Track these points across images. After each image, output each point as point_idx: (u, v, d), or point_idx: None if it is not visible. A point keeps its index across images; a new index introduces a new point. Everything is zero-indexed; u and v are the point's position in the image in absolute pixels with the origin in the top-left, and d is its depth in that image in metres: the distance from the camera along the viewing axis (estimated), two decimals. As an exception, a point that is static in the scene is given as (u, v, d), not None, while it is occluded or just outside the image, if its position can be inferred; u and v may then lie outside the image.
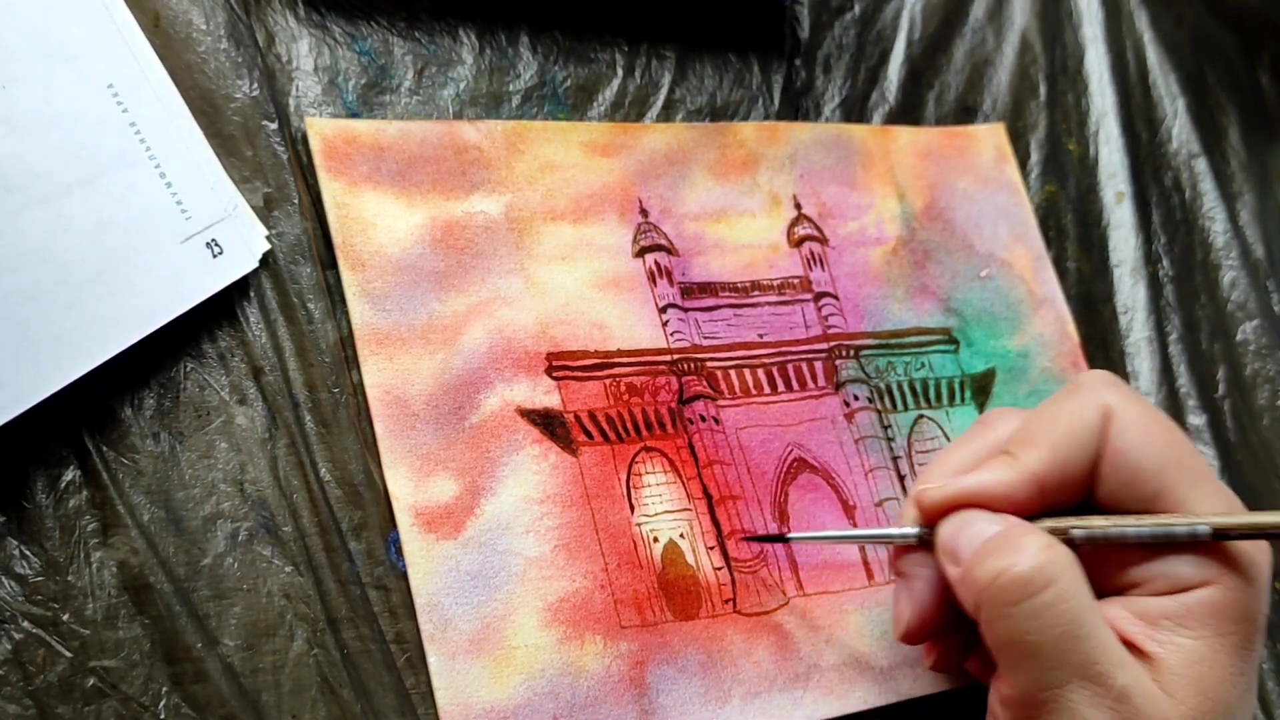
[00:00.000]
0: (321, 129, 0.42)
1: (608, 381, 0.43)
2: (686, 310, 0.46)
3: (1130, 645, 0.36)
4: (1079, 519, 0.38)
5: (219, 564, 0.37)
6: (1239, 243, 0.59)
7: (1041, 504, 0.38)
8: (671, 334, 0.45)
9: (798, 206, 0.50)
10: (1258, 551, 0.37)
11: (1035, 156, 0.57)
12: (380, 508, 0.39)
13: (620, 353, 0.44)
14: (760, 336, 0.47)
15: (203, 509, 0.37)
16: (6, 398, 0.34)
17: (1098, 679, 0.34)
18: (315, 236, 0.41)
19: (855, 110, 0.53)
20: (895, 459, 0.47)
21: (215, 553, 0.37)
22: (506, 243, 0.44)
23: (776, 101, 0.52)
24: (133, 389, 0.37)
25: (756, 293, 0.47)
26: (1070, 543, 0.37)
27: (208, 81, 0.41)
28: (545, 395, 0.42)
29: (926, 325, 0.50)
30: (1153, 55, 0.61)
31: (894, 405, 0.48)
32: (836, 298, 0.49)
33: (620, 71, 0.49)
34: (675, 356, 0.45)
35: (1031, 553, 0.35)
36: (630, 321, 0.45)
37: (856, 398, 0.47)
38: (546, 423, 0.42)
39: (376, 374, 0.40)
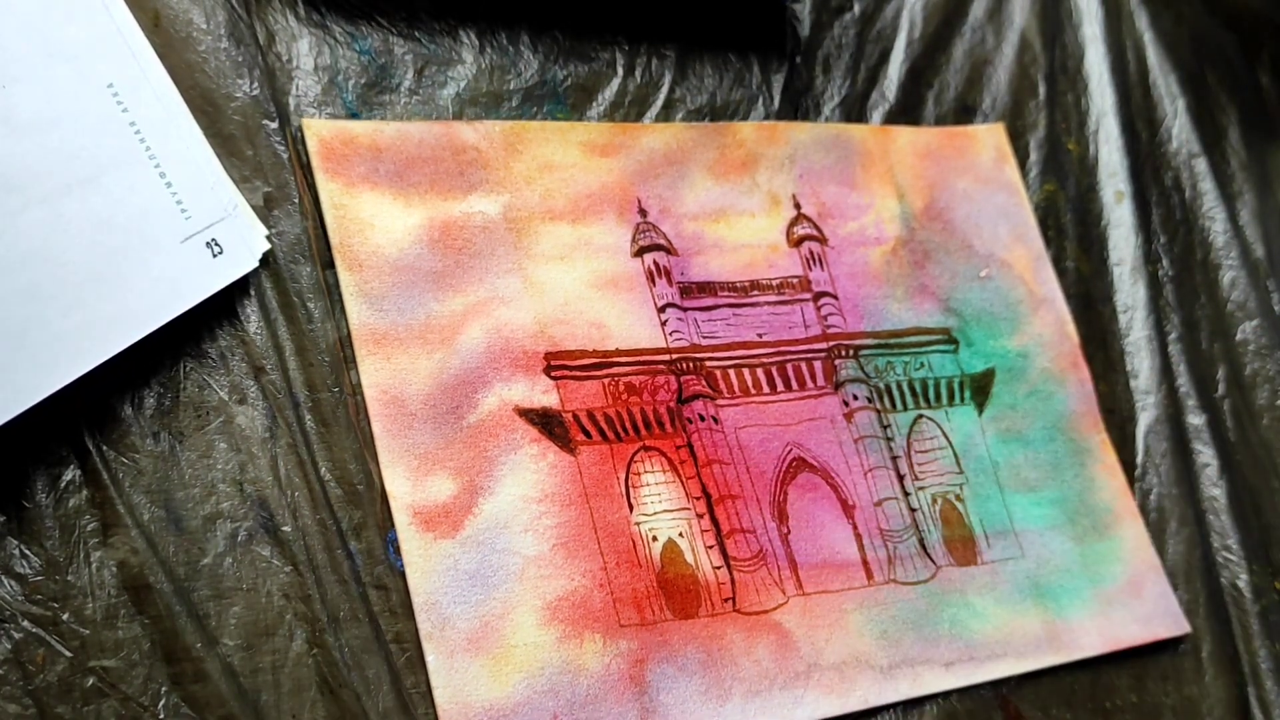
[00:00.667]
0: (319, 130, 0.43)
1: (606, 381, 0.43)
2: (685, 310, 0.46)
3: None
4: None
5: (219, 564, 0.37)
6: (1239, 243, 0.59)
7: None
8: (670, 333, 0.45)
9: (797, 206, 0.50)
10: None
11: (1035, 156, 0.57)
12: (380, 507, 0.39)
13: (619, 352, 0.44)
14: (759, 336, 0.47)
15: (203, 509, 0.37)
16: (6, 398, 0.34)
17: None
18: (315, 236, 0.41)
19: (855, 109, 0.53)
20: (894, 458, 0.47)
21: (215, 552, 0.37)
22: (504, 243, 0.44)
23: (776, 101, 0.52)
24: (133, 389, 0.38)
25: (756, 292, 0.47)
26: None
27: (208, 81, 0.41)
28: (543, 395, 0.42)
29: (926, 325, 0.50)
30: (1153, 55, 0.61)
31: (893, 405, 0.48)
32: (836, 297, 0.49)
33: (620, 71, 0.49)
34: (674, 356, 0.45)
35: None
36: (629, 321, 0.45)
37: (856, 397, 0.47)
38: (545, 422, 0.42)
39: (374, 374, 0.40)
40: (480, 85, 0.47)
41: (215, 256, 0.38)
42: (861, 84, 0.54)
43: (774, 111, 0.52)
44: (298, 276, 0.41)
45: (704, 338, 0.46)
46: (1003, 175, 0.55)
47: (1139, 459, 0.52)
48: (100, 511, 0.36)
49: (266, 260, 0.40)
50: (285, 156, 0.42)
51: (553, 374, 0.43)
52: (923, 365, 0.49)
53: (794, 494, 0.45)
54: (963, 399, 0.50)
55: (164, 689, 0.35)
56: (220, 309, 0.39)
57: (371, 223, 0.42)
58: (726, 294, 0.47)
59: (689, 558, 0.42)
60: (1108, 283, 0.56)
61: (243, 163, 0.41)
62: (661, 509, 0.42)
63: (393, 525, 0.39)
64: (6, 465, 0.35)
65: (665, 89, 0.50)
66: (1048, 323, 0.53)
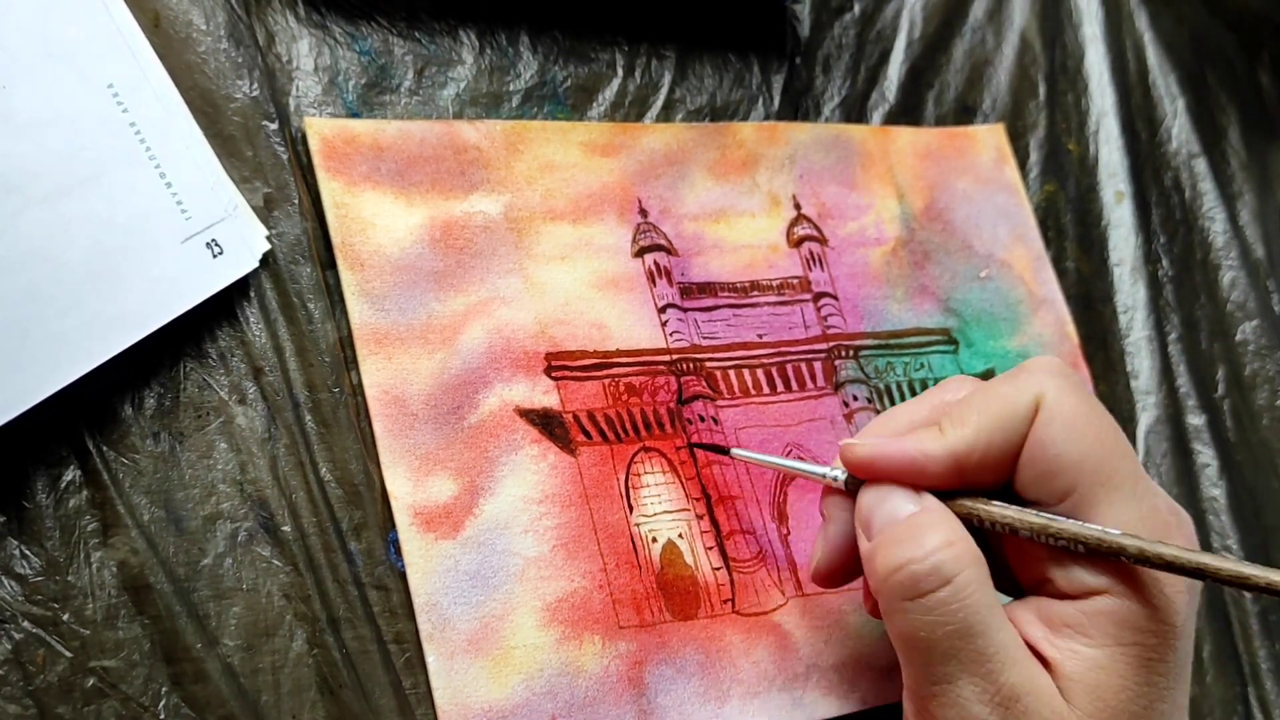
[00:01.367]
0: (320, 129, 0.43)
1: (607, 381, 0.43)
2: (686, 310, 0.46)
3: (1034, 649, 0.35)
4: (985, 504, 0.37)
5: (219, 564, 0.37)
6: (1239, 243, 0.59)
7: (959, 482, 0.37)
8: (670, 334, 0.45)
9: (797, 207, 0.50)
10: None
11: (1035, 156, 0.57)
12: (380, 507, 0.39)
13: (619, 353, 0.44)
14: (759, 336, 0.47)
15: (203, 509, 0.37)
16: (6, 398, 0.34)
17: (987, 676, 0.34)
18: (315, 236, 0.41)
19: (855, 110, 0.53)
20: (894, 459, 0.47)
21: (215, 553, 0.37)
22: (505, 243, 0.44)
23: (776, 101, 0.52)
24: (133, 389, 0.38)
25: (756, 293, 0.47)
26: (981, 525, 0.37)
27: (208, 81, 0.41)
28: (544, 395, 0.42)
29: (926, 326, 0.50)
30: (1153, 55, 0.61)
31: (893, 405, 0.48)
32: (836, 298, 0.49)
33: (620, 71, 0.49)
34: (674, 356, 0.45)
35: (930, 548, 0.35)
36: (629, 321, 0.45)
37: (856, 398, 0.47)
38: (545, 423, 0.42)
39: (375, 374, 0.40)
40: (480, 85, 0.47)
41: (215, 257, 0.38)
42: (861, 84, 0.54)
43: (774, 112, 0.52)
44: (298, 277, 0.41)
45: (704, 338, 0.46)
46: (1003, 176, 0.55)
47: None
48: (100, 512, 0.36)
49: (267, 260, 0.40)
50: (285, 157, 0.42)
51: (553, 374, 0.43)
52: (923, 366, 0.49)
53: (794, 495, 0.45)
54: (963, 399, 0.50)
55: (164, 689, 0.35)
56: (220, 309, 0.39)
57: (373, 222, 0.42)
58: (727, 294, 0.47)
59: (689, 559, 0.42)
60: (1108, 283, 0.56)
61: (243, 163, 0.41)
62: (661, 510, 0.42)
63: (393, 526, 0.39)
64: (6, 465, 0.35)
65: (665, 89, 0.50)
66: (1048, 323, 0.53)
